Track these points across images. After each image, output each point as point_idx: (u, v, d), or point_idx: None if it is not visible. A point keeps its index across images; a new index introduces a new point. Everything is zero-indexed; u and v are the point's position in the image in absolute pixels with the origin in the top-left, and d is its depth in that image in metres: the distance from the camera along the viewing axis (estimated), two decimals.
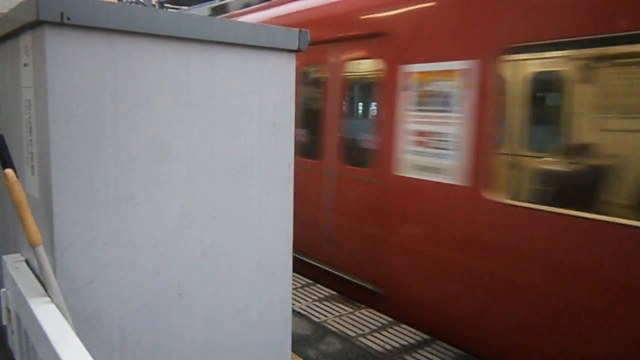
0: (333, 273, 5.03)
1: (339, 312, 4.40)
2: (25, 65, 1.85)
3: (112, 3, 1.80)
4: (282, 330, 2.42)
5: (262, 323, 2.32)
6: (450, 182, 3.77)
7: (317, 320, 4.21)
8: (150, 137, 1.87)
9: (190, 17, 1.92)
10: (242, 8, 7.10)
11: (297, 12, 5.58)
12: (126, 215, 1.84)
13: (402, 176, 4.18)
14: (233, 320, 2.22)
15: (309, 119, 5.45)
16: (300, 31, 2.21)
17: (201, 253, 2.06)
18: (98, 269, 1.79)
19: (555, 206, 3.19)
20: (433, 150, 3.91)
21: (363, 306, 4.54)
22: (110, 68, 1.75)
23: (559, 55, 3.68)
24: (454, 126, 3.74)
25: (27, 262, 1.98)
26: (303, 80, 5.50)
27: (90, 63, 1.71)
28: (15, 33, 1.91)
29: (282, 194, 2.30)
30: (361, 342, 3.84)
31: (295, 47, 2.21)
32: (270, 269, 2.31)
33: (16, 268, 1.91)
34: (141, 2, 18.08)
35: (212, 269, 2.11)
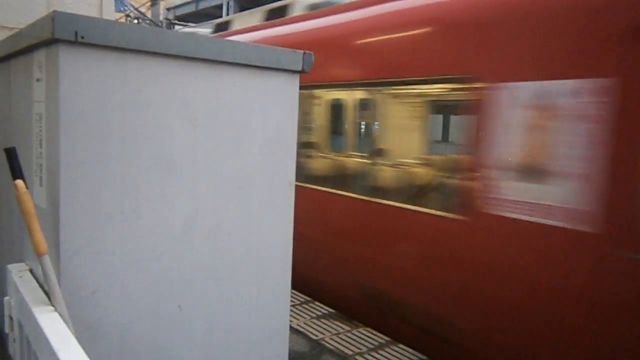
0: None
1: (336, 330, 4.40)
2: (38, 80, 1.91)
3: (124, 23, 1.87)
4: (280, 347, 2.44)
5: (260, 339, 2.35)
6: None
7: (314, 337, 4.22)
8: (156, 152, 1.93)
9: (198, 38, 1.99)
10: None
11: None
12: (130, 227, 1.88)
13: None
14: (231, 335, 2.24)
15: None
16: (304, 53, 2.28)
17: (202, 267, 2.10)
18: (101, 279, 1.83)
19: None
20: None
21: (361, 325, 4.54)
22: (119, 85, 1.82)
23: None
24: None
25: (31, 271, 2.02)
26: None
27: (101, 80, 1.77)
28: (30, 49, 1.98)
29: (282, 211, 2.35)
30: None
31: (299, 68, 2.28)
32: (269, 285, 2.35)
33: (20, 277, 1.95)
34: (150, 20, 18.37)
35: (212, 283, 2.15)
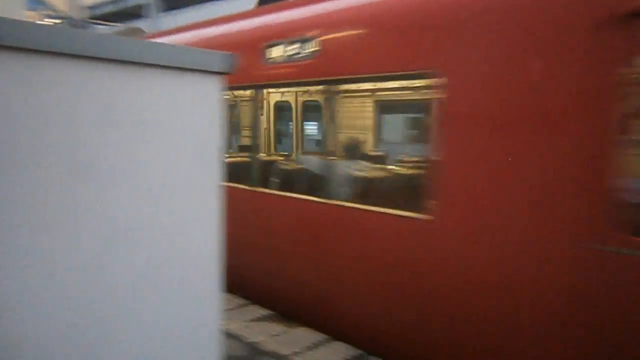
0: None
1: (274, 331, 4.40)
2: None
3: (34, 23, 1.78)
4: (212, 352, 2.40)
5: (191, 345, 2.30)
6: None
7: (251, 341, 4.19)
8: (73, 158, 1.84)
9: (113, 39, 1.93)
10: None
11: None
12: (43, 239, 1.78)
13: None
14: (160, 344, 2.18)
15: None
16: (228, 54, 2.26)
17: (124, 277, 2.02)
18: (15, 294, 1.72)
19: None
20: None
21: (299, 325, 4.57)
22: (30, 88, 1.71)
23: None
24: None
25: None
26: None
27: (9, 83, 1.67)
28: None
29: (208, 215, 2.31)
30: None
31: (221, 69, 2.25)
32: (198, 290, 2.30)
33: None
34: (72, 19, 17.47)
35: (137, 292, 2.07)
